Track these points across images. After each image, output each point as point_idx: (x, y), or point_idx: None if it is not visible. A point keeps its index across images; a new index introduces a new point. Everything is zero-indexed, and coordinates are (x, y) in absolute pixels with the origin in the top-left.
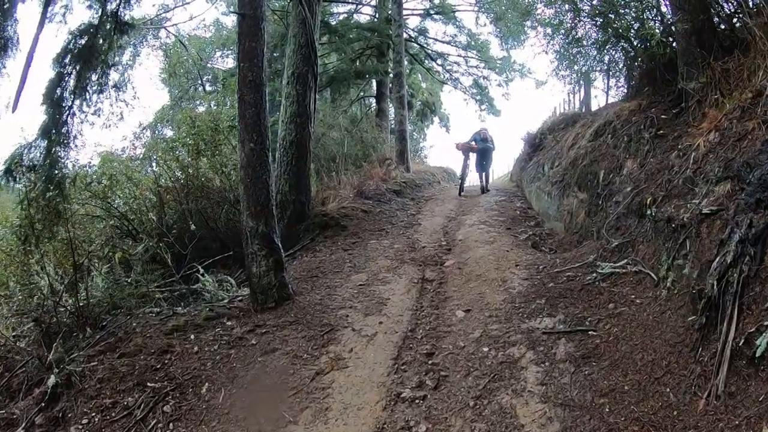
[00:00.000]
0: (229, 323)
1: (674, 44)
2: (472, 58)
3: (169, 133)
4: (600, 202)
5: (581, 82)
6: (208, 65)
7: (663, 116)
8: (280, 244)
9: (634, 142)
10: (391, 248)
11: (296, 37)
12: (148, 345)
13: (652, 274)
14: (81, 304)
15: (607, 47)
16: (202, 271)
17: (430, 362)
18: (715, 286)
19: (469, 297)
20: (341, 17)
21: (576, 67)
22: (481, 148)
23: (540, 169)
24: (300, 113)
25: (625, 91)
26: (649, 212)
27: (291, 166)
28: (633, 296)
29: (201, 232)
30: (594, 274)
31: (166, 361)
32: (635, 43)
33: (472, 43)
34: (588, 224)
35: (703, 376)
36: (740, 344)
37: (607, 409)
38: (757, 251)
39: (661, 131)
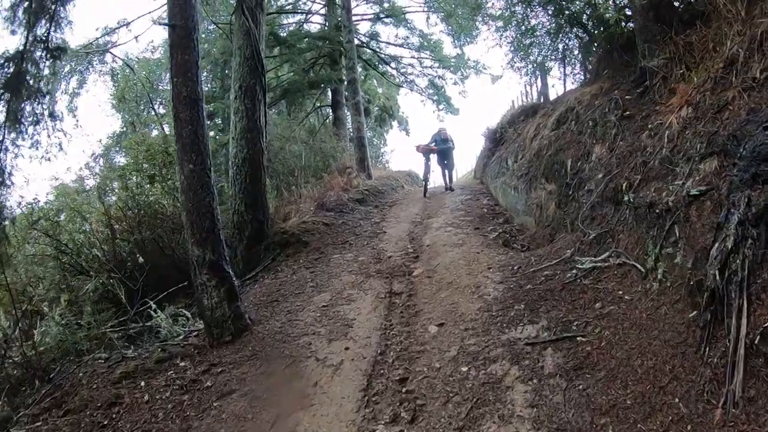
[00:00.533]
0: (182, 364)
1: (631, 24)
2: (426, 58)
3: (122, 160)
4: (570, 192)
5: (537, 72)
6: (160, 87)
7: (627, 97)
8: (231, 271)
9: (600, 126)
10: (355, 261)
11: (241, 49)
12: (95, 398)
13: (639, 266)
14: (30, 354)
15: (560, 35)
16: (154, 306)
17: (404, 390)
18: (717, 276)
19: (441, 309)
20: (291, 27)
21: (531, 58)
22: (441, 149)
23: (503, 164)
24: (250, 128)
25: (582, 77)
26: (626, 198)
27: (245, 184)
28: (620, 292)
29: (158, 261)
30: (574, 271)
31: (114, 416)
32: (589, 27)
33: (425, 43)
34: (559, 216)
35: (714, 380)
36: (755, 341)
37: (611, 431)
38: (761, 233)
39: (628, 112)
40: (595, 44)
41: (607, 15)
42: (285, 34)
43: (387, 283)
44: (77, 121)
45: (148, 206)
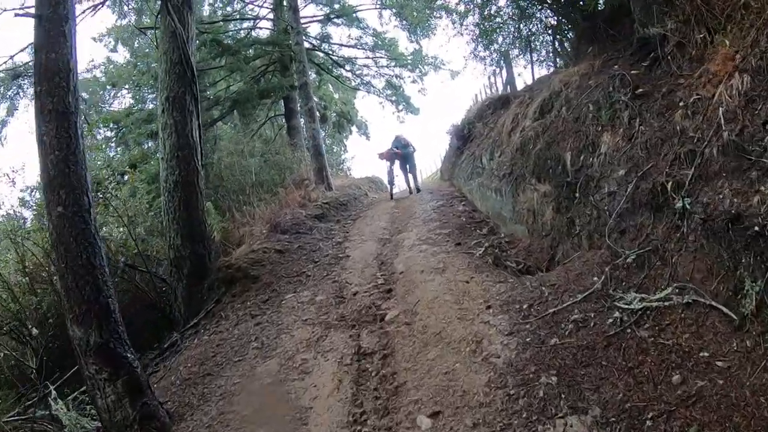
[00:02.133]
0: None
1: None
2: (381, 57)
3: None
4: (575, 194)
5: (502, 62)
6: (104, 109)
7: (634, 72)
8: (131, 354)
9: (605, 109)
10: (312, 303)
11: (167, 54)
12: None
13: (726, 310)
14: None
15: (523, 20)
16: (54, 394)
17: None
18: None
19: (432, 383)
20: (241, 34)
21: (495, 46)
22: (402, 153)
23: (477, 163)
24: (181, 145)
25: (553, 63)
26: (678, 204)
27: (179, 212)
28: (705, 353)
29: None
30: (616, 314)
31: None
32: (561, 4)
33: (379, 42)
34: (561, 223)
35: None
36: None
37: None
38: None
39: (640, 90)
40: (570, 23)
41: None
42: (228, 41)
43: (353, 337)
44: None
45: None
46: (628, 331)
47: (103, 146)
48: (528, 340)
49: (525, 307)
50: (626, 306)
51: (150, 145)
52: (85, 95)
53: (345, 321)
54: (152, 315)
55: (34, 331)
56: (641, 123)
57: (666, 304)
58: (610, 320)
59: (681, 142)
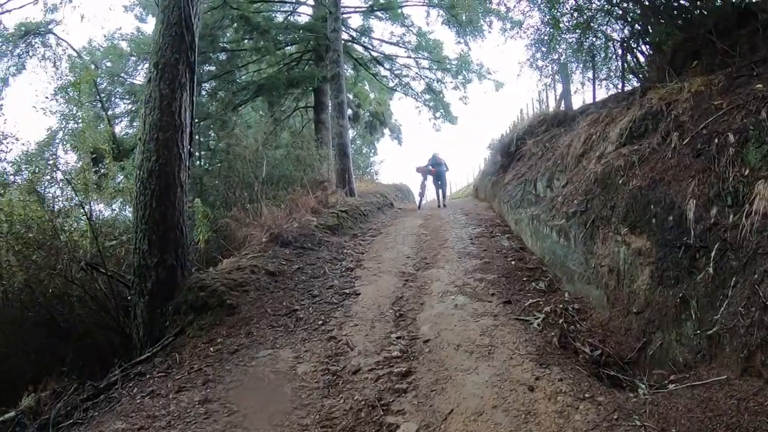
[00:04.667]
0: None
1: None
2: (423, 59)
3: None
4: (695, 262)
5: (557, 76)
6: (128, 81)
7: None
8: None
9: (754, 145)
10: (289, 378)
11: (166, 11)
12: None
13: None
14: None
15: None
16: None
17: None
18: None
19: None
20: (279, 18)
21: (554, 56)
22: (437, 171)
23: (530, 188)
24: (164, 125)
25: (621, 79)
26: None
27: (150, 209)
28: None
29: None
30: None
31: None
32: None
33: (423, 43)
34: (663, 300)
35: None
36: None
37: None
38: None
39: None
40: (653, 33)
41: None
42: (260, 20)
43: None
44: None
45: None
46: None
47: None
48: None
49: None
50: None
51: None
52: (108, 63)
53: (331, 429)
54: (113, 331)
55: None
56: None
57: None
58: None
59: None
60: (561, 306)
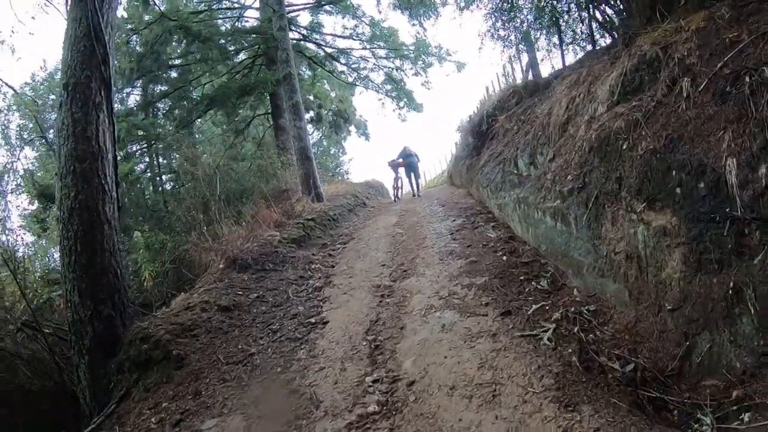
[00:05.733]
0: None
1: None
2: (379, 48)
3: None
4: (744, 239)
5: (522, 45)
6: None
7: None
8: None
9: None
10: None
11: (74, 23)
12: None
13: None
14: None
15: None
16: None
17: None
18: None
19: None
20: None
21: (516, 23)
22: (408, 162)
23: (510, 168)
24: (80, 154)
25: (589, 40)
26: None
27: (76, 253)
28: None
29: None
30: None
31: None
32: None
33: (377, 32)
34: (705, 289)
35: None
36: None
37: None
38: None
39: None
40: None
41: None
42: (199, 28)
43: None
44: None
45: None
46: None
47: None
48: None
49: None
50: None
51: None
52: (53, 96)
53: None
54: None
55: None
56: None
57: None
58: None
59: None
60: (573, 309)
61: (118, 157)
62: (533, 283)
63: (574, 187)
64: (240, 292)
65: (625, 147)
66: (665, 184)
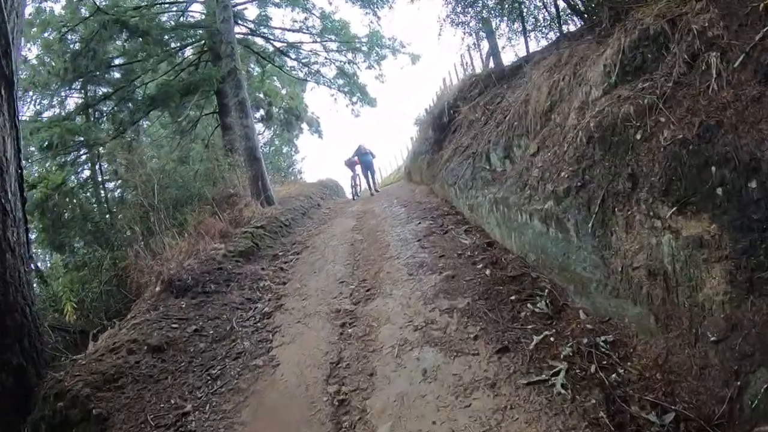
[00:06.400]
0: None
1: None
2: (330, 41)
3: None
4: None
5: (482, 32)
6: None
7: None
8: None
9: None
10: None
11: None
12: None
13: None
14: None
15: None
16: None
17: None
18: None
19: None
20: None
21: (477, 8)
22: (363, 160)
23: (482, 163)
24: None
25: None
26: None
27: None
28: None
29: None
30: None
31: None
32: None
33: (328, 25)
34: (761, 316)
35: None
36: None
37: None
38: None
39: None
40: None
41: None
42: (139, 24)
43: None
44: None
45: None
46: None
47: None
48: None
49: None
50: None
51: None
52: None
53: None
54: None
55: None
56: None
57: None
58: None
59: None
60: (585, 341)
61: (51, 168)
62: (528, 305)
63: (571, 186)
64: (175, 325)
65: (638, 137)
66: (701, 184)
